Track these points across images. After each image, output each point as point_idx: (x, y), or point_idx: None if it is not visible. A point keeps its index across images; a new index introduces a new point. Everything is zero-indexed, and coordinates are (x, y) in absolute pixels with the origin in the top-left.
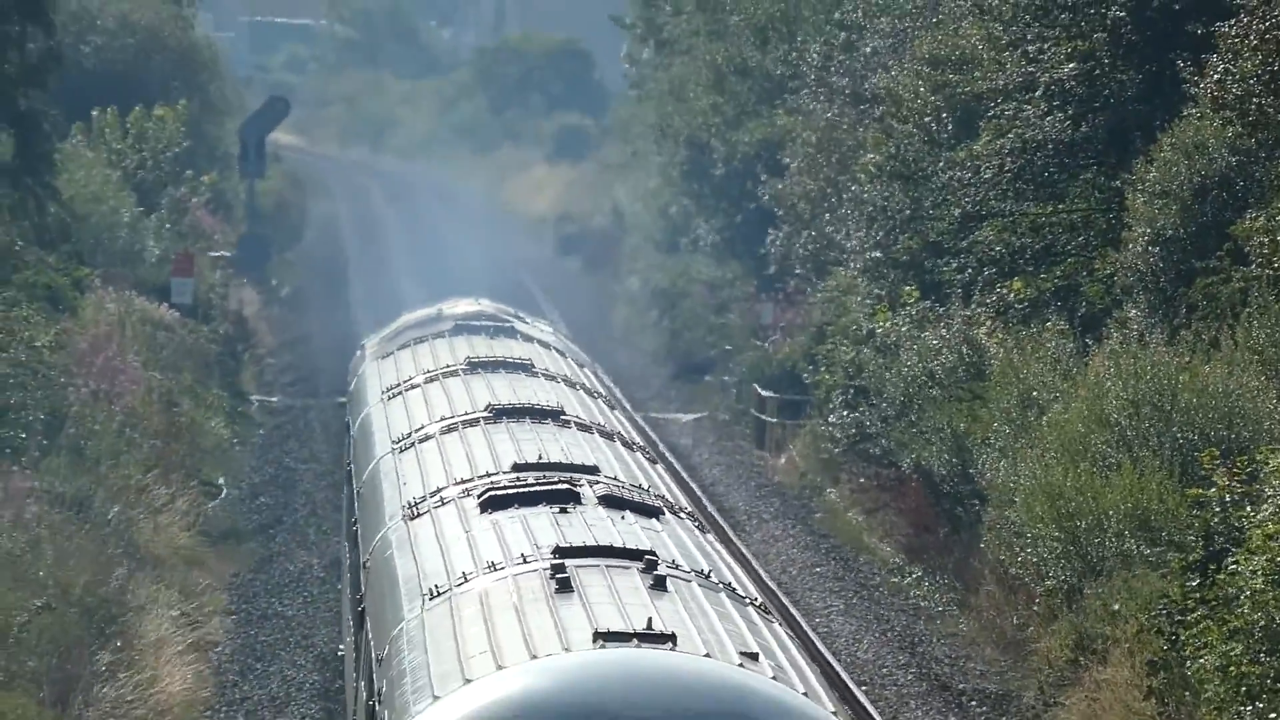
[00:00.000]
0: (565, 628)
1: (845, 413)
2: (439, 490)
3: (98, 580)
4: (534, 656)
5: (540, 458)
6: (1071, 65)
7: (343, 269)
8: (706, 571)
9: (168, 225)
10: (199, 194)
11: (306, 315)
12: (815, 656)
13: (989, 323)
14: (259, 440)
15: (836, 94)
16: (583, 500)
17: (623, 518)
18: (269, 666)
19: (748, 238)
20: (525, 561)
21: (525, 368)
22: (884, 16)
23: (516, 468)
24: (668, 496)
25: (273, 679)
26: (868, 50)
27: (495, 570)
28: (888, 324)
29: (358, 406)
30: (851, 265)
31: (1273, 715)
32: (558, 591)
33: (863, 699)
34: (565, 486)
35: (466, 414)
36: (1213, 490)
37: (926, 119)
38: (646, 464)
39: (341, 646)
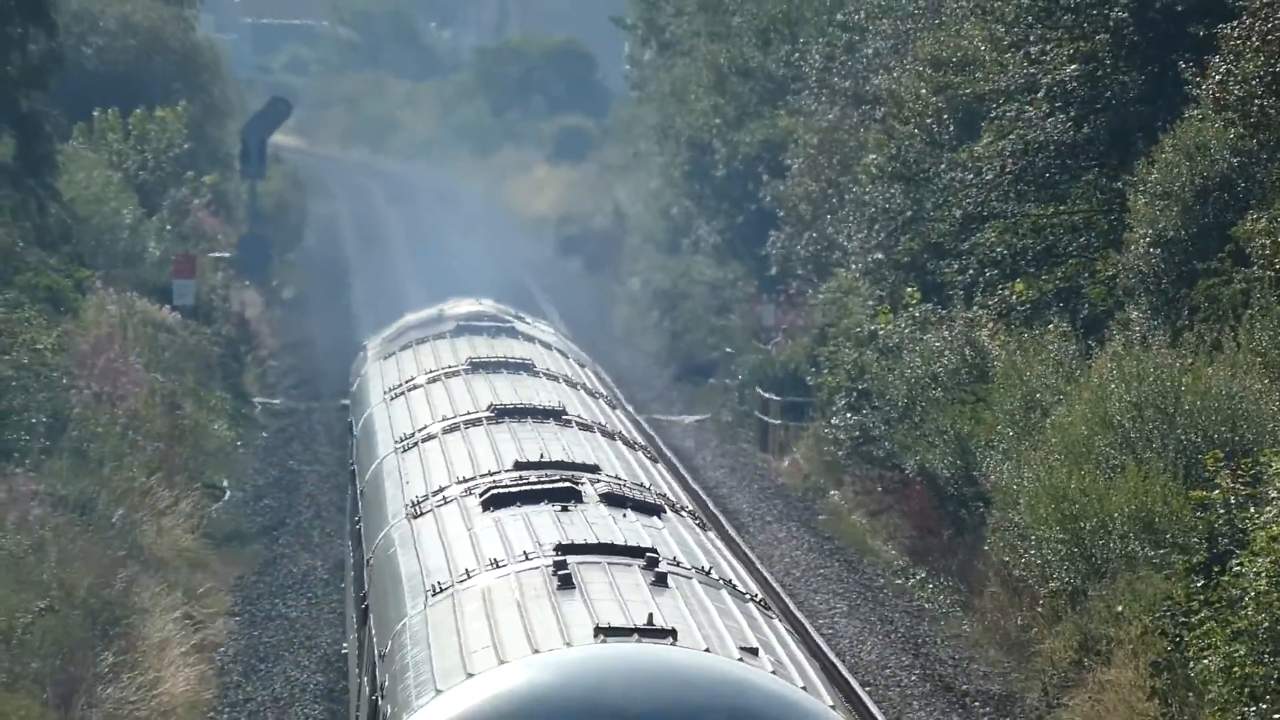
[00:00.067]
0: (567, 623)
1: (848, 415)
2: (442, 489)
3: (101, 582)
4: (536, 651)
5: (542, 456)
6: (1073, 66)
7: (344, 270)
8: (707, 568)
9: (169, 227)
10: (200, 195)
11: (308, 317)
12: (815, 651)
13: (991, 324)
14: (262, 442)
15: (838, 95)
16: (584, 498)
17: (624, 515)
18: (272, 668)
19: (749, 239)
20: (527, 558)
21: (527, 368)
22: (886, 18)
23: (518, 466)
24: (668, 494)
25: (276, 680)
26: (869, 51)
27: (498, 567)
28: (890, 326)
29: (360, 407)
30: (853, 267)
31: (1276, 716)
32: (559, 588)
33: (862, 694)
34: (567, 485)
35: (469, 414)
36: (1217, 492)
37: (928, 120)
38: (647, 463)
39: (345, 644)
